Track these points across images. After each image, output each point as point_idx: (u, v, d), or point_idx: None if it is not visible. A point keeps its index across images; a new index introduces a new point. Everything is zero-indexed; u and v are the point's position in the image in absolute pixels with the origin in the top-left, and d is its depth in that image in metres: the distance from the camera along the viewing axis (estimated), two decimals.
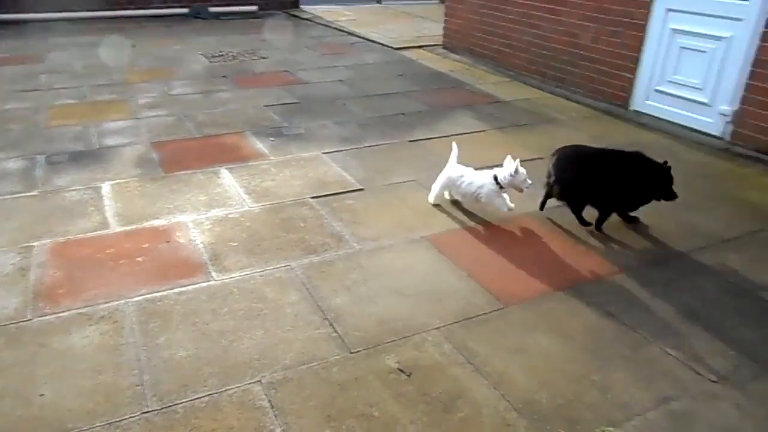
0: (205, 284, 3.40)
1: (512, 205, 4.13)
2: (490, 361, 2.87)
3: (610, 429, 2.51)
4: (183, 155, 5.22)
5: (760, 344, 3.05)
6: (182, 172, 4.85)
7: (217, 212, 4.23)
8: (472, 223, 4.18)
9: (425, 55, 9.39)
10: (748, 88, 5.49)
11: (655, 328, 3.15)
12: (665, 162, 3.95)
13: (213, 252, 3.73)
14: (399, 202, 4.47)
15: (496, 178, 4.07)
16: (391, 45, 9.92)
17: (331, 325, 3.09)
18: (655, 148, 5.70)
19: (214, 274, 3.50)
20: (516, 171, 3.98)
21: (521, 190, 4.12)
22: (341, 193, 4.59)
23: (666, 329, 3.14)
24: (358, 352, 2.91)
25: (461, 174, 4.25)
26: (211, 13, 12.14)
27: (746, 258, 3.84)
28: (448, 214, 4.30)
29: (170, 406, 2.54)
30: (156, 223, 4.07)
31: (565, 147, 4.22)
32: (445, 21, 9.67)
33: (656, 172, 3.94)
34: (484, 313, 3.21)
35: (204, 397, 2.60)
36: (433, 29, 10.85)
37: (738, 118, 5.64)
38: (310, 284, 3.43)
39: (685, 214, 4.39)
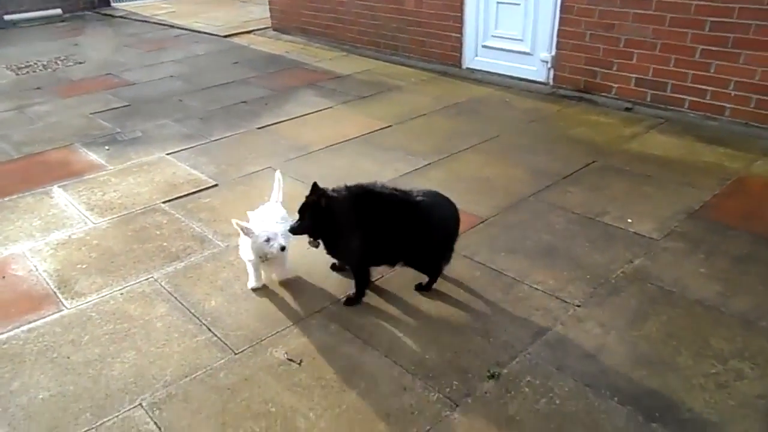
0: (57, 315, 3.06)
1: (255, 284, 3.19)
2: (378, 332, 2.89)
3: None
4: (3, 180, 4.64)
5: (609, 264, 3.36)
6: (6, 199, 4.31)
7: (57, 235, 3.82)
8: None
9: (256, 40, 9.13)
10: (560, 33, 5.97)
11: (520, 268, 3.35)
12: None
13: (60, 279, 3.37)
14: (257, 192, 4.32)
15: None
16: (219, 33, 9.52)
17: (209, 329, 2.92)
18: (491, 101, 6.06)
19: (65, 302, 3.16)
20: (248, 233, 2.97)
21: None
22: (195, 192, 4.35)
23: (531, 267, 3.36)
24: (242, 351, 2.78)
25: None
26: (6, 21, 10.83)
27: (585, 189, 4.20)
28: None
29: None
30: None
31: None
32: (270, 3, 9.45)
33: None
34: None
35: None
36: (259, 12, 10.58)
37: (557, 63, 6.12)
38: (178, 292, 3.22)
39: (529, 158, 4.71)
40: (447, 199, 3.07)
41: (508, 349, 2.76)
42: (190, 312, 3.05)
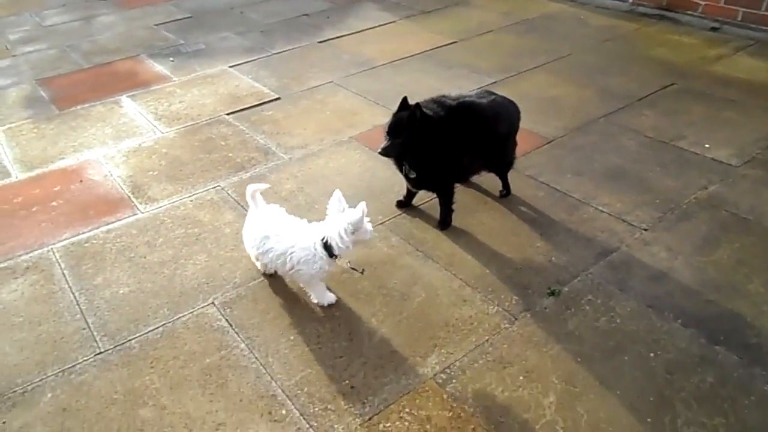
0: (132, 218, 3.21)
1: (333, 298, 2.60)
2: (439, 246, 2.91)
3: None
4: (75, 89, 4.78)
5: (682, 190, 3.24)
6: (79, 107, 4.45)
7: (128, 143, 3.95)
8: None
9: None
10: None
11: (586, 190, 3.27)
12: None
13: (133, 184, 3.51)
14: (320, 106, 4.32)
15: (327, 244, 2.38)
16: None
17: None
18: (563, 18, 5.75)
19: (139, 206, 3.31)
20: (358, 222, 2.34)
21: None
22: (258, 105, 4.37)
23: (597, 189, 3.27)
24: None
25: (267, 234, 2.51)
26: None
27: (660, 112, 4.00)
28: (371, 111, 4.20)
29: (123, 343, 2.44)
30: (63, 163, 3.75)
31: None
32: None
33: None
34: (425, 201, 3.21)
35: (158, 328, 2.51)
36: None
37: None
38: (244, 201, 3.28)
39: (601, 78, 4.50)
40: (495, 94, 3.12)
41: (570, 268, 2.74)
42: None
